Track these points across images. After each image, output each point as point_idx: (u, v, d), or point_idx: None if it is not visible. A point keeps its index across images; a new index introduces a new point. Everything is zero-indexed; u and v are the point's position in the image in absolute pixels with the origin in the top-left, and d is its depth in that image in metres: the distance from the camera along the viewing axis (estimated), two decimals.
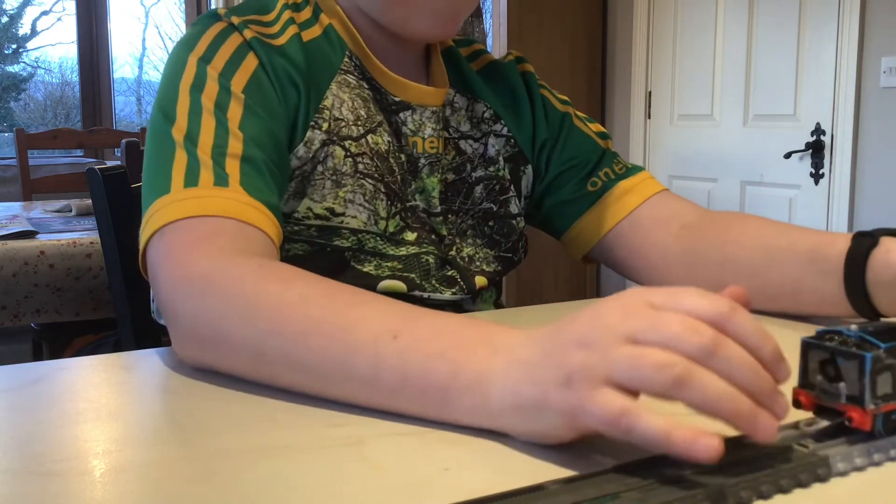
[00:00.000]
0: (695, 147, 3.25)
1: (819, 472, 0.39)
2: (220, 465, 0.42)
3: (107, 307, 1.68)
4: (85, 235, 1.71)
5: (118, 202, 1.27)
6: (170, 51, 0.78)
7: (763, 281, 0.74)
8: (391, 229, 0.79)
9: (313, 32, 0.80)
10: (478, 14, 3.63)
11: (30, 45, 4.70)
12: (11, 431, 0.48)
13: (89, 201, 1.89)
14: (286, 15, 0.79)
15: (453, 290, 0.82)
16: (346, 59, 0.80)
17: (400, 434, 0.46)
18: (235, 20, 0.76)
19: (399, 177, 0.80)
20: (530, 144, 0.90)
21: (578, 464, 0.42)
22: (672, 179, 3.36)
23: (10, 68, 4.66)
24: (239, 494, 0.39)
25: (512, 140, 0.89)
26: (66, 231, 1.77)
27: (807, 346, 0.44)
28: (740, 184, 3.09)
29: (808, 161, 2.84)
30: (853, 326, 0.43)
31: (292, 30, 0.78)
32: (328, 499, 0.39)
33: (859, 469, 0.41)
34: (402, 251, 0.79)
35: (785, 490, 0.38)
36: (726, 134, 3.11)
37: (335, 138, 0.77)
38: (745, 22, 3.01)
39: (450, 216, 0.84)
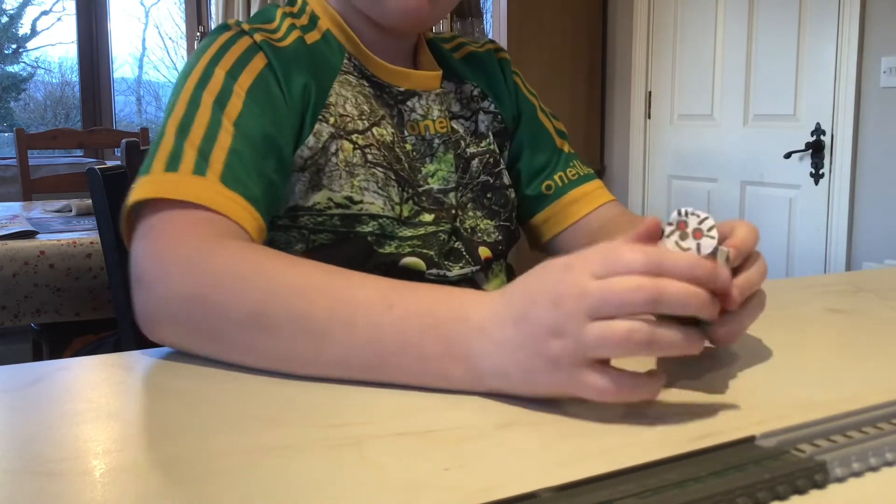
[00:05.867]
0: (695, 147, 3.25)
1: (816, 479, 0.39)
2: (220, 465, 0.42)
3: (107, 307, 1.68)
4: (85, 235, 1.71)
5: (118, 202, 1.26)
6: (173, 53, 0.82)
7: None
8: (406, 214, 0.82)
9: (313, 37, 0.84)
10: (478, 14, 3.63)
11: (30, 45, 4.70)
12: (11, 431, 0.48)
13: (89, 201, 1.89)
14: (287, 22, 0.83)
15: (461, 264, 0.85)
16: (346, 61, 0.84)
17: (400, 434, 0.46)
18: (245, 27, 0.80)
19: (406, 164, 0.84)
20: (512, 122, 0.97)
21: (576, 467, 0.42)
22: (672, 179, 3.36)
23: (10, 68, 4.66)
24: (239, 494, 0.39)
25: (499, 116, 0.96)
26: (66, 231, 1.77)
27: None
28: (740, 184, 3.09)
29: (808, 161, 2.84)
30: None
31: (295, 33, 0.82)
32: (328, 499, 0.39)
33: (857, 475, 0.40)
34: (421, 231, 0.83)
35: (782, 497, 0.38)
36: (726, 134, 3.11)
37: (342, 133, 0.80)
38: (745, 22, 3.01)
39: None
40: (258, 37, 0.79)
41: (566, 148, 0.98)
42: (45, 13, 4.62)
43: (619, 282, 0.46)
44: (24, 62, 4.72)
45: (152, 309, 0.61)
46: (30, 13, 4.63)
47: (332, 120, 0.80)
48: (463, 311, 0.53)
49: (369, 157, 0.81)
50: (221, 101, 0.73)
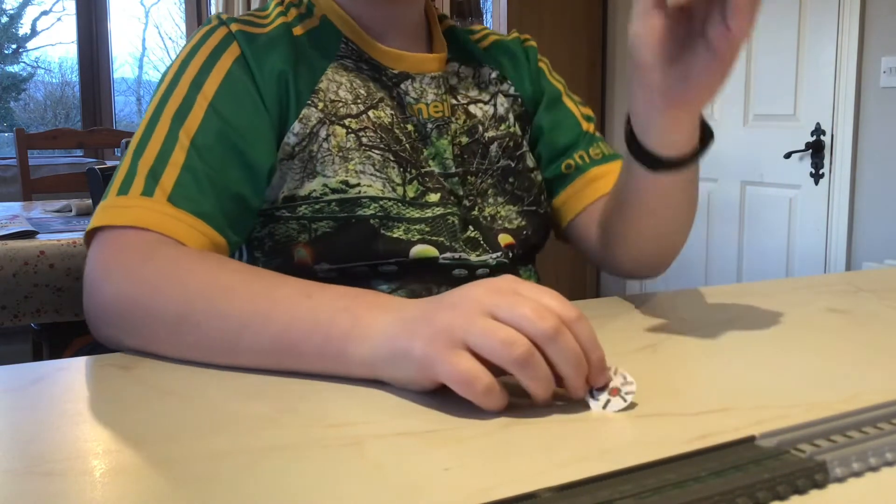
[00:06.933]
0: None
1: (816, 478, 0.39)
2: (219, 465, 0.42)
3: None
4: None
5: None
6: (173, 53, 0.83)
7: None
8: (411, 194, 0.82)
9: (310, 24, 0.84)
10: (478, 14, 3.63)
11: (30, 45, 4.69)
12: (11, 431, 0.48)
13: (89, 201, 1.89)
14: (278, 10, 0.84)
15: (478, 252, 0.84)
16: (343, 46, 0.84)
17: (400, 434, 0.46)
18: (224, 17, 0.81)
19: (408, 145, 0.83)
20: (533, 105, 0.95)
21: (576, 467, 0.42)
22: None
23: (10, 68, 4.65)
24: (239, 494, 0.39)
25: (519, 99, 0.94)
26: (66, 231, 1.77)
27: None
28: (740, 184, 3.09)
29: (808, 161, 2.84)
30: None
31: (281, 20, 0.83)
32: (328, 499, 0.39)
33: (857, 475, 0.40)
34: (429, 213, 0.82)
35: (782, 497, 0.38)
36: (726, 134, 3.11)
37: (333, 118, 0.80)
38: None
39: (469, 178, 0.87)
40: (234, 27, 0.79)
41: (591, 130, 0.95)
42: (45, 13, 4.62)
43: (531, 302, 0.48)
44: (24, 62, 4.72)
45: (96, 312, 0.66)
46: (30, 13, 4.63)
47: (320, 105, 0.80)
48: (386, 301, 0.55)
49: (364, 140, 0.80)
50: (181, 115, 0.74)
